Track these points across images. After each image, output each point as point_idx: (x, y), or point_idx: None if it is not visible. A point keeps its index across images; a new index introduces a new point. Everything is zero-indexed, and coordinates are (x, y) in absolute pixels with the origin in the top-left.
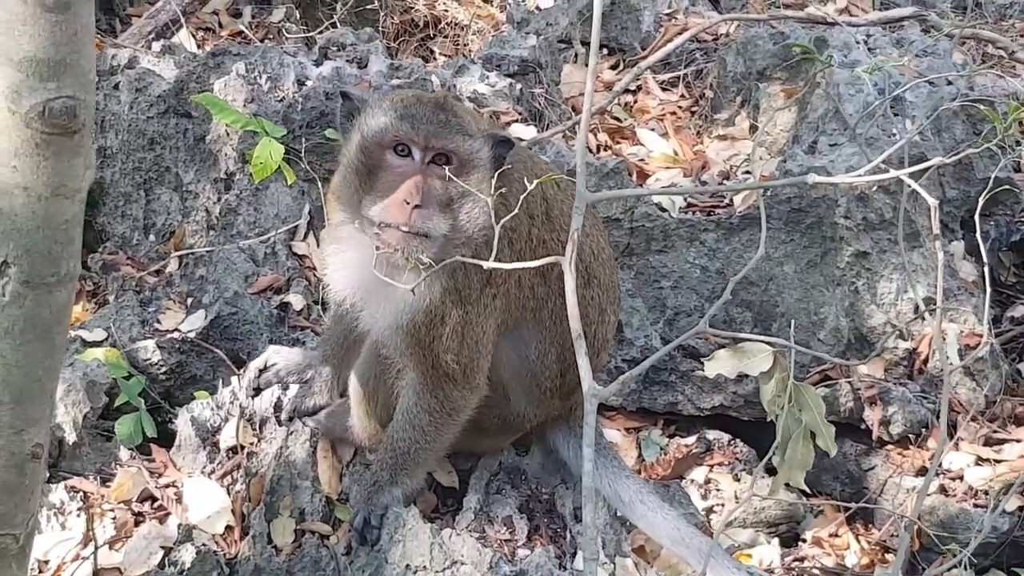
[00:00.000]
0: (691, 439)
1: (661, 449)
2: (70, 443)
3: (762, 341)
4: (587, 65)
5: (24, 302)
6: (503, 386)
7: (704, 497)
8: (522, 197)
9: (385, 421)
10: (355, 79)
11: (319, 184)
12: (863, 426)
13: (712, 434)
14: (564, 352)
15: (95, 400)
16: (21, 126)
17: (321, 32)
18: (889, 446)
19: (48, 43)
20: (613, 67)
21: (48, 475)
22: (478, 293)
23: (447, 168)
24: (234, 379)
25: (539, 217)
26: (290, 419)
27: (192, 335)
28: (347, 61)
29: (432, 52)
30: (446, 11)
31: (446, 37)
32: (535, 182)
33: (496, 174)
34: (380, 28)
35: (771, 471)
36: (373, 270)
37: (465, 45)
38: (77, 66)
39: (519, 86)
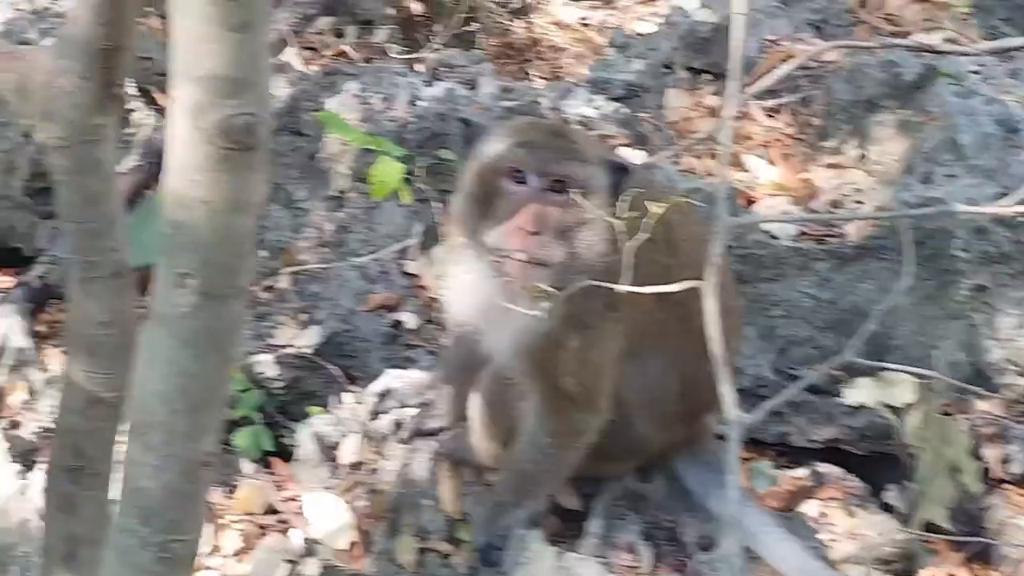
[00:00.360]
0: (802, 471)
1: (771, 481)
2: None
3: (905, 371)
4: (689, 89)
5: (202, 313)
6: (625, 411)
7: (816, 532)
8: (646, 221)
9: (507, 443)
10: (466, 101)
11: (432, 204)
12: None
13: (824, 467)
14: (686, 377)
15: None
16: (203, 142)
17: (424, 53)
18: (1008, 485)
19: (230, 61)
20: (715, 93)
21: None
22: (599, 318)
23: (564, 195)
24: (346, 395)
25: (659, 242)
26: (411, 439)
27: (307, 351)
28: (458, 82)
29: (528, 75)
30: (545, 34)
31: (544, 60)
32: (660, 206)
33: (615, 200)
34: (478, 49)
35: (887, 507)
36: (493, 295)
37: (562, 68)
38: (256, 84)
39: (625, 110)
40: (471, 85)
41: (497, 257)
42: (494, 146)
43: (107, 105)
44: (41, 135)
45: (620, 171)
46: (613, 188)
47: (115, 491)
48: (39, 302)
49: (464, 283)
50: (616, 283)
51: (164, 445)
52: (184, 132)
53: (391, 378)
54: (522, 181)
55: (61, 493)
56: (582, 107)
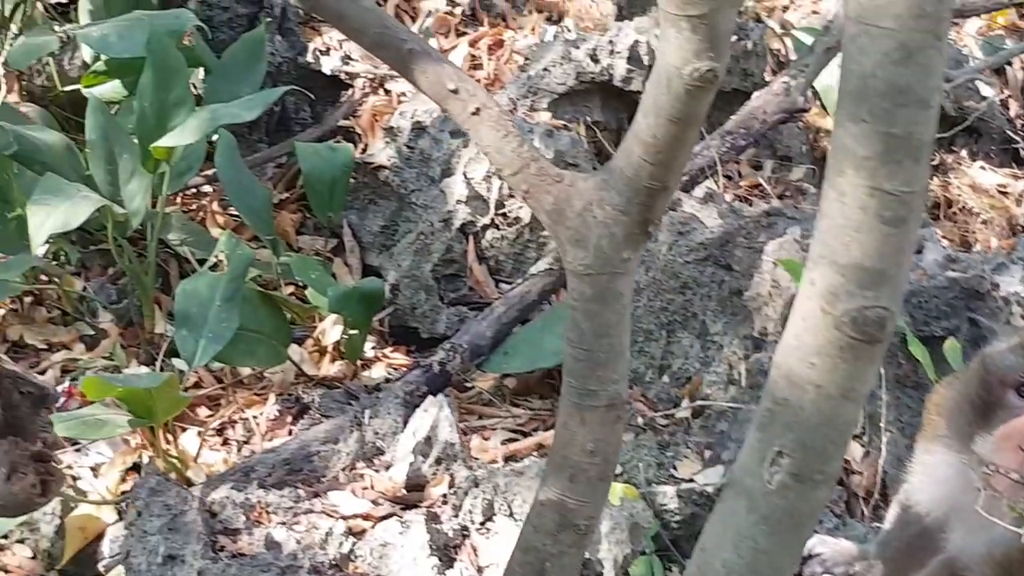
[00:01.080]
0: None
1: None
2: None
3: None
4: None
5: (788, 494)
6: None
7: None
8: None
9: None
10: (911, 265)
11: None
12: None
13: None
14: None
15: (636, 543)
16: (830, 327)
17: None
18: None
19: (875, 253)
20: None
21: None
22: None
23: None
24: None
25: None
26: None
27: (709, 489)
28: None
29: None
30: (959, 195)
31: (952, 221)
32: None
33: None
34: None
35: None
36: (967, 496)
37: (972, 233)
38: (895, 279)
39: None
40: (916, 250)
41: (986, 467)
42: (1004, 355)
43: (638, 240)
44: (568, 259)
45: None
46: None
47: None
48: (436, 388)
49: (936, 476)
50: None
51: None
52: (812, 313)
53: (817, 541)
54: None
55: None
56: (1017, 286)
